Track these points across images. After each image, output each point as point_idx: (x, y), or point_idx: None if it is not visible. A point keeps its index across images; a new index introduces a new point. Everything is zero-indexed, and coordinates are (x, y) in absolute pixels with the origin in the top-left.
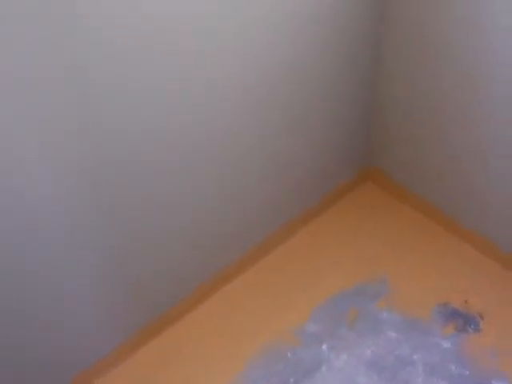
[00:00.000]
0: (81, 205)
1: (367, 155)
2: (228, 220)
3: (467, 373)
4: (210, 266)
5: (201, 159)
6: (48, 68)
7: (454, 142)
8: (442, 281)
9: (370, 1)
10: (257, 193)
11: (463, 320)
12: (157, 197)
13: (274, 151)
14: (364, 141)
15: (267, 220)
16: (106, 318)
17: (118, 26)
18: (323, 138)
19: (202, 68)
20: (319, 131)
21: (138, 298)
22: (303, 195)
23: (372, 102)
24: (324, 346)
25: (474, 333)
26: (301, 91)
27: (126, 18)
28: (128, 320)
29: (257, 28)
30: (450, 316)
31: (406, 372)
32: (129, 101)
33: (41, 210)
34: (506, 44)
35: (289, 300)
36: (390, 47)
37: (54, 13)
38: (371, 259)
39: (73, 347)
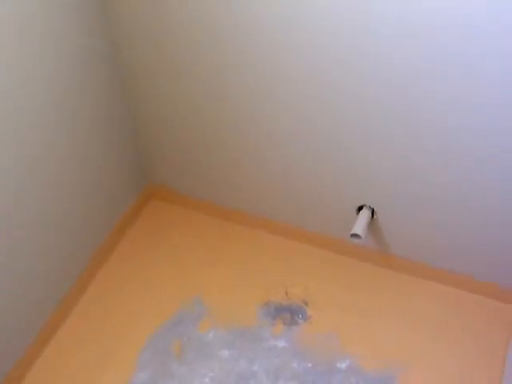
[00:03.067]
0: None
1: (143, 176)
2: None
3: (310, 365)
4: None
5: None
6: None
7: (208, 142)
8: (257, 280)
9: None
10: (38, 262)
11: (289, 313)
12: None
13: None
14: (136, 165)
15: (59, 283)
16: None
17: None
18: (93, 181)
19: None
20: (87, 176)
21: None
22: (89, 241)
23: (134, 130)
24: None
25: (304, 322)
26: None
27: None
28: None
29: None
30: (276, 313)
31: None
32: None
33: None
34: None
35: (109, 355)
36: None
37: None
38: (179, 283)
39: None
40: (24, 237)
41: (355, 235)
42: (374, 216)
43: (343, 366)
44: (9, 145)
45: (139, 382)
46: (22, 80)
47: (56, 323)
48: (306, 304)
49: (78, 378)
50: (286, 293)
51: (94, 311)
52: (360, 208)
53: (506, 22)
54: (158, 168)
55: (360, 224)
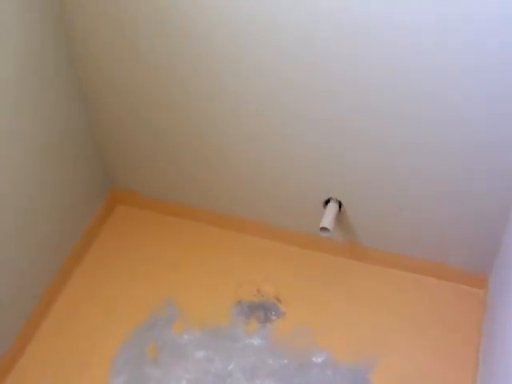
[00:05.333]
0: None
1: (107, 183)
2: None
3: (286, 361)
4: None
5: None
6: None
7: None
8: (228, 279)
9: None
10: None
11: (263, 310)
12: None
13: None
14: (96, 170)
15: (24, 300)
16: None
17: None
18: (55, 193)
19: None
20: (48, 189)
21: None
22: (56, 252)
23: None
24: None
25: (277, 319)
26: None
27: None
28: None
29: None
30: (249, 311)
31: None
32: None
33: None
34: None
35: (83, 363)
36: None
37: None
38: (150, 286)
39: None
40: None
41: (324, 229)
42: (342, 208)
43: (319, 360)
44: None
45: None
46: None
47: (27, 335)
48: (279, 301)
49: None
50: (258, 290)
51: (65, 321)
52: (327, 201)
53: None
54: (121, 173)
55: (328, 217)
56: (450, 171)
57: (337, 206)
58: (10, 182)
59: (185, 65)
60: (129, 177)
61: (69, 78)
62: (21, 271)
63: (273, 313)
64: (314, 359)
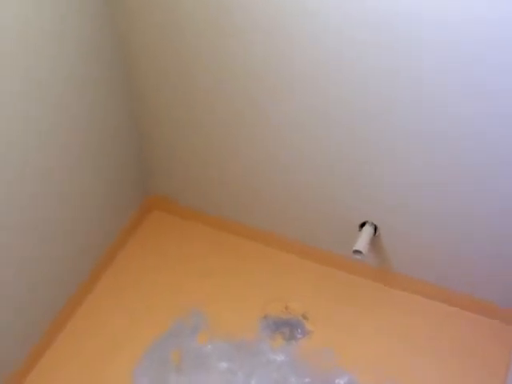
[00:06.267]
0: None
1: (145, 187)
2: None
3: (308, 380)
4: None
5: None
6: None
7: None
8: (257, 293)
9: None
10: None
11: (289, 327)
12: None
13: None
14: (139, 174)
15: (58, 294)
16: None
17: None
18: (97, 192)
19: None
20: (93, 187)
21: None
22: (90, 251)
23: (140, 138)
24: None
25: (303, 337)
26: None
27: None
28: None
29: None
30: (275, 327)
31: None
32: None
33: None
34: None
35: (106, 364)
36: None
37: None
38: (178, 293)
39: None
40: (30, 247)
41: (357, 251)
42: (377, 233)
43: (341, 382)
44: (22, 153)
45: None
46: (36, 88)
47: (53, 334)
48: (306, 319)
49: None
50: (286, 307)
51: (92, 321)
52: (363, 224)
53: None
54: (159, 179)
55: (362, 240)
56: (492, 200)
57: (372, 229)
58: (66, 181)
59: (242, 75)
60: (168, 184)
61: (121, 77)
62: (55, 270)
63: (299, 330)
64: (336, 381)
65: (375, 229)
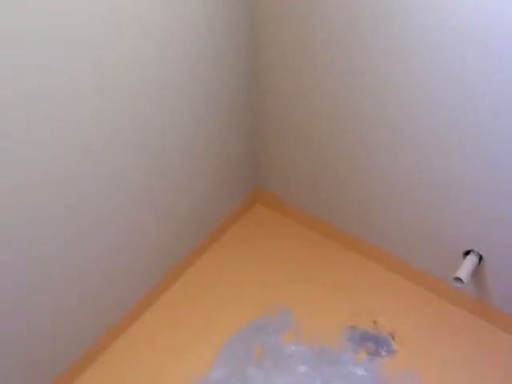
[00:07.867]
0: None
1: (251, 180)
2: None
3: None
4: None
5: None
6: None
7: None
8: (347, 303)
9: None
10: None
11: (374, 343)
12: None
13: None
14: (248, 166)
15: (157, 264)
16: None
17: None
18: (207, 171)
19: None
20: (203, 173)
21: None
22: (192, 231)
23: (255, 127)
24: None
25: (387, 355)
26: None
27: None
28: None
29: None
30: (360, 340)
31: None
32: None
33: None
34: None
35: (190, 346)
36: (267, 55)
37: None
38: (271, 289)
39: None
40: (137, 230)
41: (458, 279)
42: (481, 262)
43: None
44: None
45: (214, 377)
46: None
47: (140, 310)
48: (393, 337)
49: (156, 363)
50: (375, 322)
51: (183, 301)
52: (467, 252)
53: None
54: (266, 174)
55: (465, 269)
56: None
57: (477, 259)
58: (181, 161)
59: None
60: (273, 180)
61: (246, 74)
62: (153, 251)
63: (384, 348)
64: None
65: (480, 258)
